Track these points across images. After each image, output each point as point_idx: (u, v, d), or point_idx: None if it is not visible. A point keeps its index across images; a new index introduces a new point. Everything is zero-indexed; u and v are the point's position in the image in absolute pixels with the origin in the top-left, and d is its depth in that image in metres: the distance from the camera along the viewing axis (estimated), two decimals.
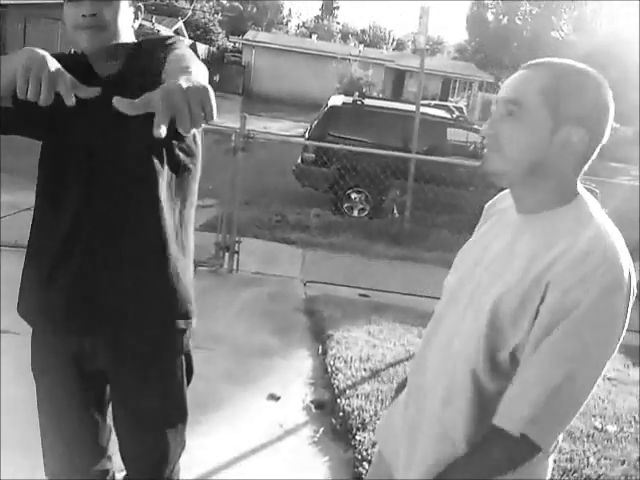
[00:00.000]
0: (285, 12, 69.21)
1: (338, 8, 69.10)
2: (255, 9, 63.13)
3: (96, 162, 1.61)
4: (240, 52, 34.05)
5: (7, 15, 28.21)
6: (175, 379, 1.76)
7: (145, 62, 1.59)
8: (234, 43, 41.19)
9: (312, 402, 3.40)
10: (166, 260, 1.66)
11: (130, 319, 1.65)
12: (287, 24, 69.18)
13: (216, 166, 5.51)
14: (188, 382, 1.82)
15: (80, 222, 1.61)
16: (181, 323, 1.71)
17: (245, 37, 33.00)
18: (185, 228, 1.72)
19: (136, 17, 1.71)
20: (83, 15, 1.54)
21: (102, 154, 1.61)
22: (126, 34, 1.64)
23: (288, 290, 5.21)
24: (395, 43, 60.20)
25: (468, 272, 1.35)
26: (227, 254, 5.52)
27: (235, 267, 5.49)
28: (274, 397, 3.42)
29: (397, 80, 33.18)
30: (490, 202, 1.50)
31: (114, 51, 1.61)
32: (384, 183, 7.84)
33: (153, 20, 29.45)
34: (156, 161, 1.61)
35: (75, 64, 1.62)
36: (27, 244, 1.70)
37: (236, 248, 5.49)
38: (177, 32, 31.91)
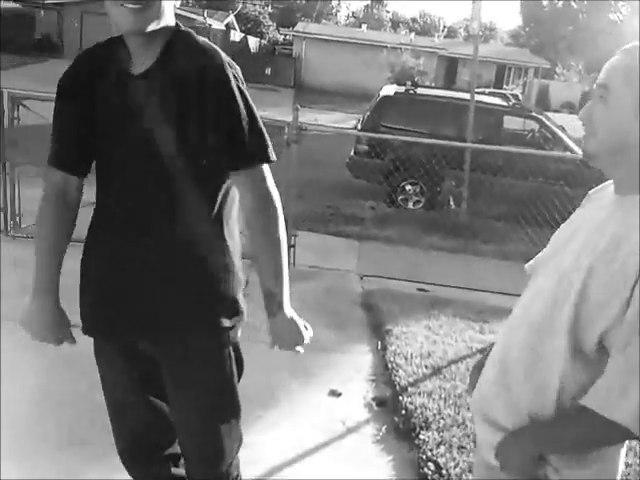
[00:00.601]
0: (334, 2, 68.92)
1: None
2: (304, 0, 63.12)
3: (134, 161, 1.59)
4: (291, 44, 34.09)
5: (64, 13, 29.04)
6: (222, 373, 1.73)
7: (180, 65, 1.56)
8: (284, 35, 41.29)
9: (373, 399, 3.36)
10: (210, 260, 1.64)
11: (175, 320, 1.64)
12: (337, 14, 68.91)
13: None
14: (239, 376, 1.79)
15: (125, 224, 1.62)
16: (226, 321, 1.68)
17: (295, 29, 32.99)
18: (228, 224, 1.67)
19: None
20: None
21: (139, 153, 1.59)
22: (169, 14, 1.56)
23: (345, 284, 5.18)
24: (447, 30, 59.31)
25: (559, 248, 1.38)
26: None
27: (292, 261, 5.47)
28: (335, 393, 3.39)
29: (450, 68, 32.66)
30: (594, 189, 1.50)
31: (152, 41, 1.56)
32: (439, 174, 7.70)
33: (205, 14, 29.79)
34: (196, 159, 1.57)
35: (107, 59, 1.62)
36: (83, 247, 1.72)
37: (292, 242, 5.47)
38: (228, 26, 32.20)
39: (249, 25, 43.44)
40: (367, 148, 8.46)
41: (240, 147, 1.57)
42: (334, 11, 69.00)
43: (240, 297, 1.72)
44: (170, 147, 1.54)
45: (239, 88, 1.55)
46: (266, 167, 1.62)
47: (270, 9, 56.52)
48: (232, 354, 1.74)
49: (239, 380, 1.79)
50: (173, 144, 1.54)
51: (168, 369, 1.72)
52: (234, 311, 1.70)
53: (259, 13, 47.83)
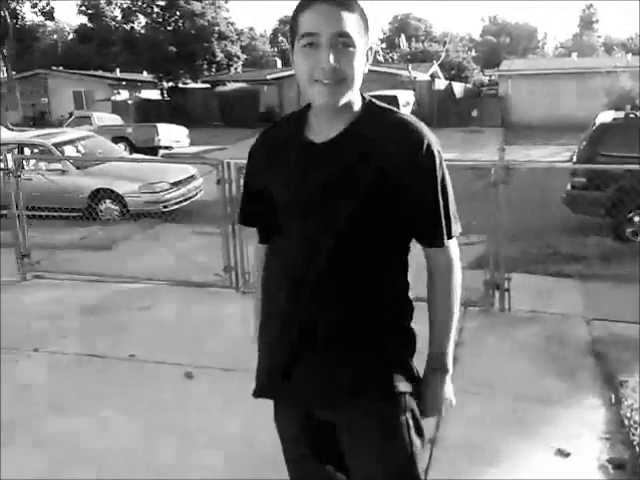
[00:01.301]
0: (540, 36, 66.72)
1: (598, 21, 64.58)
2: (509, 39, 61.97)
3: (310, 226, 1.58)
4: (496, 84, 33.47)
5: (284, 86, 31.66)
6: (399, 441, 1.62)
7: (373, 135, 1.53)
8: (490, 76, 40.78)
9: (609, 461, 2.94)
10: (387, 324, 1.62)
11: (353, 386, 1.60)
12: (543, 47, 66.53)
13: (479, 201, 5.32)
14: (421, 444, 1.68)
15: (299, 289, 1.60)
16: (403, 386, 1.62)
17: (500, 68, 32.35)
18: (404, 289, 1.67)
19: (367, 59, 1.59)
20: (322, 67, 1.45)
21: (316, 220, 1.57)
22: (359, 82, 1.55)
23: (569, 329, 4.73)
24: None
25: None
26: (497, 292, 5.23)
27: (507, 306, 5.16)
28: (563, 453, 3.04)
29: None
30: None
31: (342, 111, 1.54)
32: None
33: (409, 68, 30.51)
34: (380, 230, 1.58)
35: (290, 129, 1.63)
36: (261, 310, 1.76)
37: (506, 285, 5.17)
38: (432, 75, 32.63)
39: (453, 71, 43.56)
40: (585, 180, 7.84)
41: (434, 226, 1.59)
42: (541, 44, 66.75)
43: (414, 363, 1.67)
44: (350, 217, 1.53)
45: (440, 164, 1.55)
46: (453, 240, 1.64)
47: (474, 53, 56.34)
48: (410, 422, 1.64)
49: (422, 447, 1.68)
50: (354, 214, 1.53)
51: (343, 434, 1.67)
52: (410, 376, 1.65)
53: (462, 59, 47.86)
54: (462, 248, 1.72)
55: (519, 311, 5.10)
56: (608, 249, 7.00)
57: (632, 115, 8.11)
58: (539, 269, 6.23)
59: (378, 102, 1.60)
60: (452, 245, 1.64)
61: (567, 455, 3.02)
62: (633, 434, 3.07)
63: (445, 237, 1.60)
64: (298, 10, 1.46)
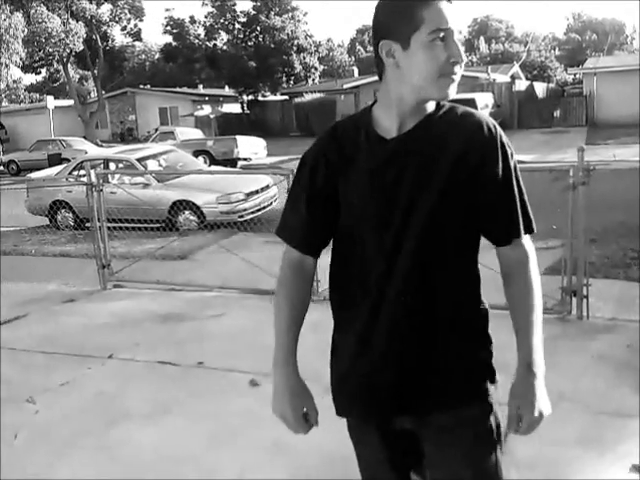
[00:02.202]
0: (628, 31, 63.84)
1: None
2: (595, 35, 59.65)
3: (384, 229, 1.53)
4: (581, 82, 32.29)
5: (360, 94, 31.77)
6: (488, 446, 1.58)
7: (441, 126, 1.52)
8: (574, 75, 39.41)
9: None
10: (471, 326, 1.59)
11: (446, 390, 1.57)
12: (632, 43, 63.55)
13: (557, 204, 5.12)
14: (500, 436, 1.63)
15: (374, 298, 1.55)
16: (490, 388, 1.59)
17: (585, 66, 31.16)
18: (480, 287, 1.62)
19: None
20: (455, 62, 1.47)
21: (389, 221, 1.52)
22: None
23: None
24: None
25: None
26: (575, 299, 5.00)
27: (585, 313, 4.92)
28: (638, 469, 2.86)
29: None
30: None
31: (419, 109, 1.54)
32: None
33: (489, 70, 29.91)
34: (455, 225, 1.54)
35: (355, 128, 1.60)
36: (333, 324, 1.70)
37: (584, 292, 4.93)
38: (513, 76, 31.84)
39: (535, 72, 42.39)
40: None
41: (510, 219, 1.56)
42: (629, 40, 63.82)
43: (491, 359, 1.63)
44: (428, 213, 1.50)
45: (512, 157, 1.55)
46: (528, 237, 1.61)
47: (557, 51, 54.58)
48: (494, 426, 1.60)
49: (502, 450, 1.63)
50: (432, 209, 1.49)
51: (427, 441, 1.62)
52: (493, 378, 1.61)
53: (545, 58, 46.48)
54: (539, 253, 1.66)
55: (598, 318, 4.86)
56: None
57: None
58: (621, 275, 5.91)
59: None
60: (528, 242, 1.60)
61: None
62: None
63: (522, 230, 1.56)
64: (419, 6, 1.44)
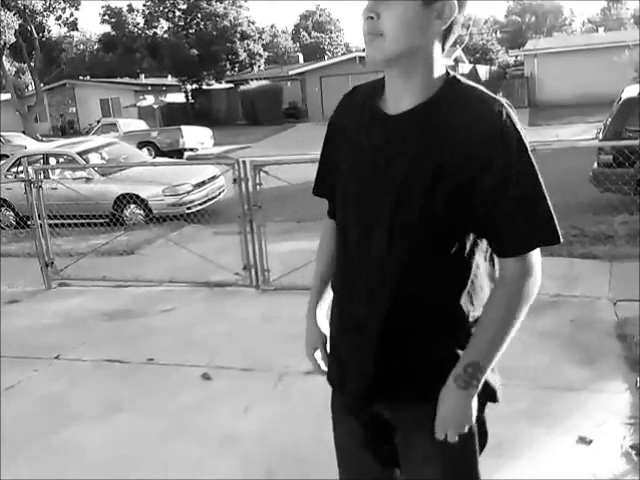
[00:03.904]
0: (567, 13, 65.35)
1: None
2: (534, 18, 60.81)
3: (373, 208, 1.46)
4: (522, 64, 32.93)
5: (306, 81, 31.63)
6: (461, 445, 1.53)
7: (447, 112, 1.40)
8: (515, 57, 40.18)
9: (632, 447, 2.84)
10: (451, 324, 1.49)
11: (415, 384, 1.52)
12: (571, 24, 65.14)
13: None
14: (482, 447, 1.62)
15: (361, 278, 1.51)
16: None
17: (525, 48, 31.78)
18: (474, 287, 1.49)
19: (448, 31, 1.43)
20: (368, 17, 1.37)
21: (379, 200, 1.44)
22: (426, 57, 1.41)
23: (594, 312, 4.59)
24: None
25: None
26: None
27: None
28: (585, 440, 2.95)
29: None
30: None
31: (410, 82, 1.41)
32: None
33: None
34: (440, 203, 1.39)
35: (365, 97, 1.55)
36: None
37: None
38: (456, 60, 32.21)
39: (477, 55, 43.00)
40: (611, 157, 7.62)
41: (514, 235, 1.40)
42: (568, 22, 65.34)
43: None
44: (418, 198, 1.38)
45: (527, 152, 1.38)
46: (537, 253, 1.43)
47: (499, 34, 55.43)
48: (474, 428, 1.55)
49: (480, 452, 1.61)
50: (422, 195, 1.37)
51: (402, 436, 1.60)
52: None
53: (487, 41, 47.19)
54: None
55: (543, 295, 4.98)
56: (637, 228, 6.79)
57: None
58: (563, 251, 6.06)
59: (453, 74, 1.49)
60: (533, 257, 1.41)
61: (589, 442, 2.93)
62: None
63: (526, 247, 1.40)
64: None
